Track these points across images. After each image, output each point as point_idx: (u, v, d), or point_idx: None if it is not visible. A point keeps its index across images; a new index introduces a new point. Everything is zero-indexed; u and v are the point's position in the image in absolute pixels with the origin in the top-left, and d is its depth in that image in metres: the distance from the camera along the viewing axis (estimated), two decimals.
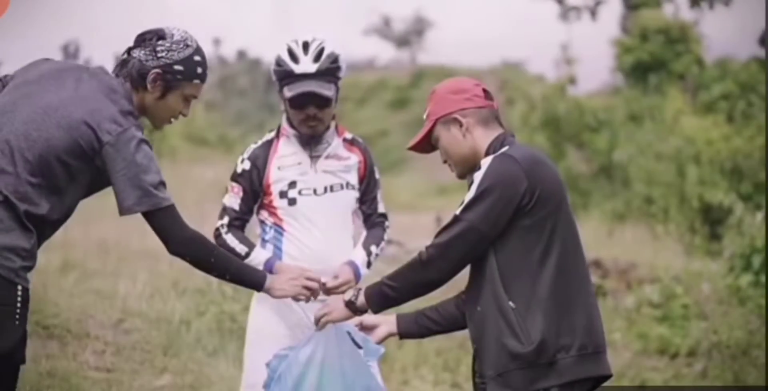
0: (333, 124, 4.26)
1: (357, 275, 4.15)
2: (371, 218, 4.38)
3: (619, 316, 9.55)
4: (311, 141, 4.20)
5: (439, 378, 7.84)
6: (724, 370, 8.44)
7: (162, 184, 3.33)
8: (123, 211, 3.34)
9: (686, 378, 8.49)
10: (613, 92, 26.93)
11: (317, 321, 3.46)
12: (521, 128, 21.22)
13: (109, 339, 6.15)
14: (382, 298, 3.30)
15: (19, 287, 3.21)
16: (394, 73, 49.40)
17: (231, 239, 4.20)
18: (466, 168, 3.36)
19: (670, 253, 12.90)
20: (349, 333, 3.55)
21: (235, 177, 4.22)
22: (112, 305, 6.66)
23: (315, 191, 4.20)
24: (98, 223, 8.72)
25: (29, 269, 3.28)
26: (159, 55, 3.42)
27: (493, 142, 3.31)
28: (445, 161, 3.41)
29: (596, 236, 13.93)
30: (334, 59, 4.15)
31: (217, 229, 4.24)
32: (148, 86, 3.43)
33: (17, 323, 3.21)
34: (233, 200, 4.23)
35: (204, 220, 10.09)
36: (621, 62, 25.37)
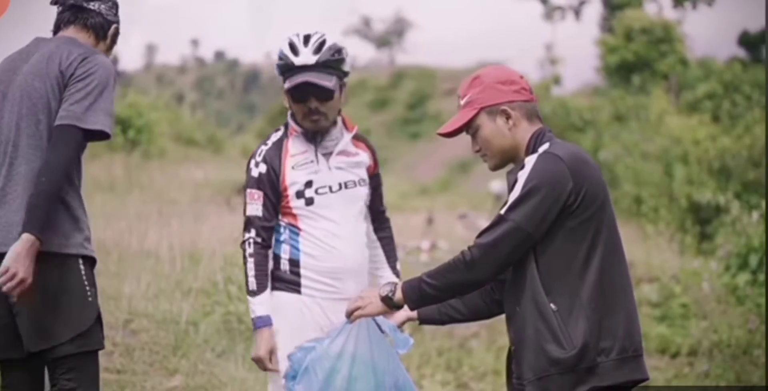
0: (340, 120, 4.13)
1: None
2: (380, 216, 4.27)
3: None
4: (317, 136, 4.07)
5: (444, 378, 7.82)
6: (726, 369, 8.43)
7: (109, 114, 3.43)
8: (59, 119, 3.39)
9: (688, 377, 8.47)
10: (596, 92, 27.01)
11: (349, 314, 3.35)
12: None
13: (118, 340, 6.08)
14: (420, 295, 3.21)
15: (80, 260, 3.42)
16: (374, 73, 49.51)
17: (250, 266, 4.02)
18: (503, 161, 3.27)
19: (662, 252, 12.91)
20: (375, 322, 3.48)
21: (253, 183, 4.03)
22: (118, 305, 6.59)
23: (331, 189, 4.06)
24: (95, 224, 8.64)
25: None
26: (116, 11, 3.66)
27: (532, 136, 3.22)
28: (477, 151, 3.29)
29: None
30: (337, 51, 4.04)
31: (244, 243, 4.05)
32: (108, 38, 3.62)
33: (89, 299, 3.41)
34: (255, 207, 4.03)
35: (198, 219, 10.11)
36: (605, 62, 25.44)
